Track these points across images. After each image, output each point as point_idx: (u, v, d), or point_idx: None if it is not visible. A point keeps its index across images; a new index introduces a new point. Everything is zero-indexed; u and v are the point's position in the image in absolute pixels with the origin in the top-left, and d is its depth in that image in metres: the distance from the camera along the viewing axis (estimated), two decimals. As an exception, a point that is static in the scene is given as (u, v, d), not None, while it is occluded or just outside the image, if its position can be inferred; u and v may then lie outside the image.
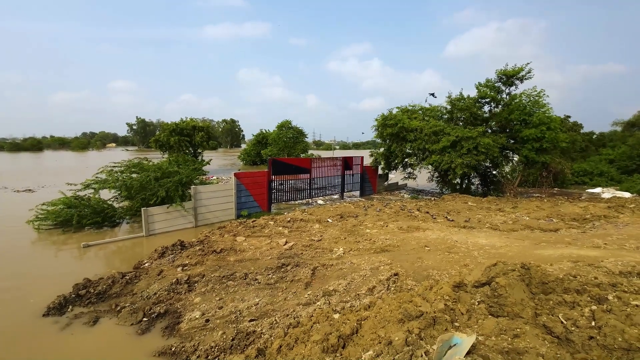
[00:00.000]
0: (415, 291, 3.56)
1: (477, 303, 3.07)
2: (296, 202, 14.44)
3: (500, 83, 16.33)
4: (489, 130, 16.50)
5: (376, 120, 17.63)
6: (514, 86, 16.23)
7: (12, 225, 10.16)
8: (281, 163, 13.43)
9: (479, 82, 16.72)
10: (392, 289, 4.99)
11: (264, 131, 39.56)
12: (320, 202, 15.12)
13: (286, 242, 7.88)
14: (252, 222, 9.84)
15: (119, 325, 4.76)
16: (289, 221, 9.90)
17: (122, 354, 4.18)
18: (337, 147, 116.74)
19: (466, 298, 3.11)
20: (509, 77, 15.88)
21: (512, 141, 16.15)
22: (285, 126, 33.81)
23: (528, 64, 15.56)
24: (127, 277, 6.06)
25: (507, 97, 16.35)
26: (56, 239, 9.09)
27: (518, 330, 2.65)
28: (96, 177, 10.57)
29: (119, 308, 5.14)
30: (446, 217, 10.45)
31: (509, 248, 6.74)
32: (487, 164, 16.75)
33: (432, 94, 18.19)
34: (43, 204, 10.21)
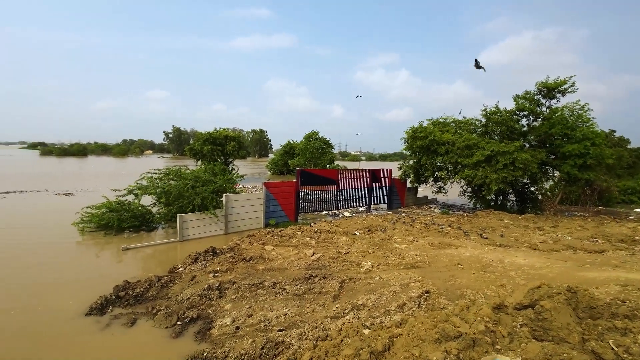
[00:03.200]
0: (450, 310, 3.43)
1: (519, 326, 2.91)
2: (322, 213, 14.46)
3: (540, 96, 15.65)
4: (527, 145, 15.78)
5: (406, 132, 17.42)
6: (555, 99, 15.50)
7: (57, 227, 10.85)
8: (309, 174, 13.56)
9: (516, 94, 16.12)
10: (424, 306, 4.84)
11: (292, 142, 40.28)
12: (346, 213, 15.04)
13: (313, 253, 7.88)
14: (280, 231, 9.96)
15: (155, 327, 4.93)
16: (315, 232, 9.93)
17: (158, 356, 4.31)
18: (363, 158, 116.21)
19: (507, 320, 2.96)
20: (550, 90, 15.20)
21: (552, 157, 15.33)
22: (312, 137, 34.28)
23: (572, 77, 14.87)
24: (163, 281, 6.31)
25: (548, 110, 15.62)
26: (98, 241, 9.66)
27: (565, 355, 2.49)
28: (138, 184, 11.21)
29: (155, 311, 5.34)
30: (480, 235, 10.02)
31: (550, 269, 6.35)
32: (525, 180, 15.96)
33: (358, 96, 17.81)
34: (88, 207, 10.91)
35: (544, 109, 15.76)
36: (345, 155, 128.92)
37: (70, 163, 50.80)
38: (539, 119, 15.79)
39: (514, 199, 17.65)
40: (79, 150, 79.08)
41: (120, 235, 10.19)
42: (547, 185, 17.44)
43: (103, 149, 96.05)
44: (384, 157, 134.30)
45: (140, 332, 4.85)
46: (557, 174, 16.24)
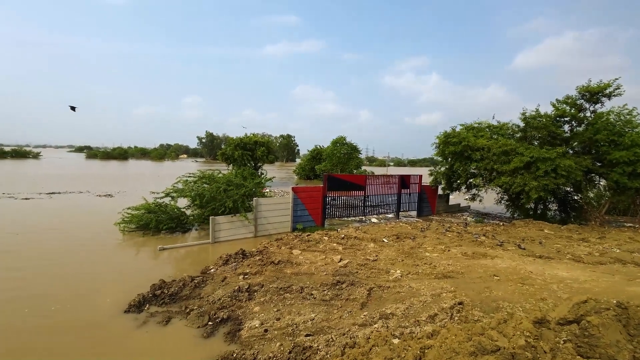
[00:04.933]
0: (486, 323, 3.27)
1: (562, 342, 2.73)
2: (349, 219, 14.35)
3: (582, 100, 14.68)
4: (570, 151, 14.80)
5: (437, 137, 16.92)
6: (600, 103, 14.46)
7: (97, 227, 11.52)
8: (336, 179, 13.55)
9: (556, 99, 15.22)
10: (457, 318, 4.65)
11: (319, 147, 40.48)
12: (374, 220, 14.83)
13: (341, 259, 7.84)
14: (307, 236, 10.00)
15: (188, 326, 5.10)
16: (342, 238, 9.87)
17: (190, 355, 4.44)
18: (391, 163, 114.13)
19: (549, 335, 2.77)
20: (593, 94, 14.21)
21: (598, 164, 14.27)
22: (339, 142, 34.23)
23: (616, 79, 13.82)
24: (196, 281, 6.54)
25: (592, 115, 14.60)
26: (137, 241, 10.21)
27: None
28: (174, 186, 11.77)
29: (188, 310, 5.54)
30: (518, 245, 9.49)
31: (596, 283, 5.89)
32: (568, 189, 14.94)
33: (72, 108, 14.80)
34: (128, 208, 11.57)
35: (587, 114, 14.75)
36: (372, 161, 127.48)
37: (112, 166, 54.18)
38: (583, 125, 14.79)
39: (555, 208, 16.59)
40: (120, 154, 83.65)
41: (157, 236, 10.71)
42: (592, 194, 16.24)
43: (142, 153, 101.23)
44: (412, 163, 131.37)
45: (174, 331, 5.02)
46: (603, 182, 15.10)
